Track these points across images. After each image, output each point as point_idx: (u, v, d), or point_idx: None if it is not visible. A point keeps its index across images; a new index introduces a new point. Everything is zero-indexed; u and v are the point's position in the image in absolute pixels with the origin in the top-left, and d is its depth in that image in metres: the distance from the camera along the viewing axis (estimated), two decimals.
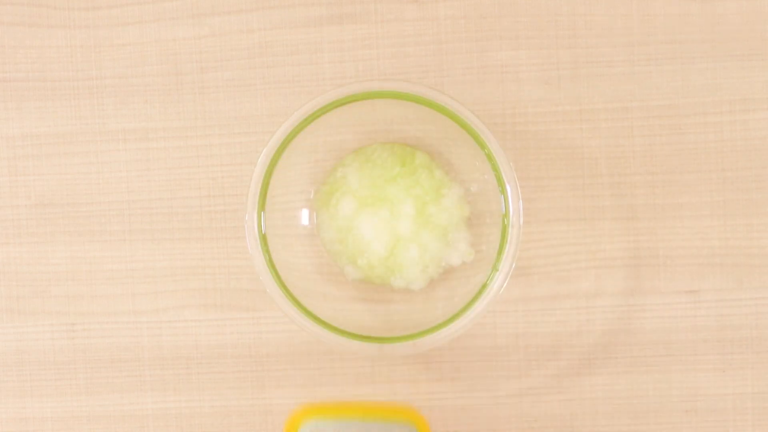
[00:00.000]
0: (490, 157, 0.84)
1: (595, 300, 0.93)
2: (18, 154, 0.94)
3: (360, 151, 0.91)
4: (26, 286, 0.95)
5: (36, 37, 0.94)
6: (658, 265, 0.93)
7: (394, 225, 0.90)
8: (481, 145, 0.84)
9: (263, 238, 0.86)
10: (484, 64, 0.93)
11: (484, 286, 0.85)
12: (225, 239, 0.94)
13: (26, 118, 0.94)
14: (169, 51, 0.94)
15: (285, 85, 0.94)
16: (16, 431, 0.95)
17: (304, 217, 0.93)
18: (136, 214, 0.94)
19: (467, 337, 0.94)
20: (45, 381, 0.95)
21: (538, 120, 0.93)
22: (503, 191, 0.85)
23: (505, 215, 0.85)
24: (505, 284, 0.85)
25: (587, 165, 0.93)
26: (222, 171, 0.94)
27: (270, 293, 0.86)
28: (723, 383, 0.94)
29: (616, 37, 0.93)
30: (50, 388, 0.95)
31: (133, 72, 0.94)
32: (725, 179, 0.93)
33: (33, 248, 0.95)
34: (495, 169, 0.84)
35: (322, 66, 0.93)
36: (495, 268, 0.85)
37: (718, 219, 0.93)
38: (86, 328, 0.95)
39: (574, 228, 0.93)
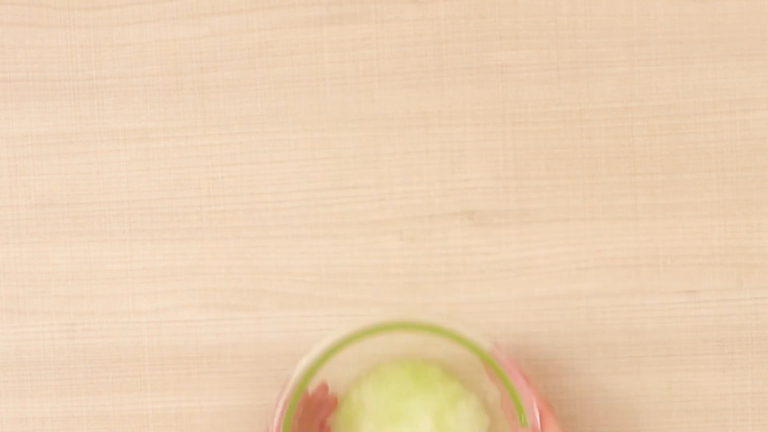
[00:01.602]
0: (506, 382, 0.86)
1: (595, 300, 0.93)
2: (18, 153, 0.95)
3: (373, 370, 0.91)
4: (26, 286, 0.95)
5: (36, 37, 0.94)
6: (658, 265, 0.93)
7: None
8: (500, 375, 0.86)
9: None
10: (484, 64, 0.93)
11: None
12: (225, 239, 0.94)
13: (26, 118, 0.94)
14: (168, 51, 0.94)
15: (285, 85, 0.94)
16: (16, 431, 0.95)
17: None
18: (136, 214, 0.94)
19: None
20: (45, 381, 0.95)
21: (538, 120, 0.93)
22: (520, 413, 0.86)
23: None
24: None
25: (587, 165, 0.93)
26: (222, 171, 0.94)
27: None
28: (723, 383, 0.94)
29: (616, 37, 0.93)
30: (50, 388, 0.95)
31: (133, 72, 0.94)
32: (725, 179, 0.93)
33: (33, 248, 0.95)
34: (511, 392, 0.85)
35: (322, 66, 0.93)
36: None
37: (718, 219, 0.93)
38: (86, 328, 0.95)
39: (574, 228, 0.93)
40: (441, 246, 0.93)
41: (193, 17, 0.94)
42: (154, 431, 0.95)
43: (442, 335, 0.86)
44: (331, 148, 0.93)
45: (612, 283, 0.93)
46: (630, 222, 0.93)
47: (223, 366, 0.95)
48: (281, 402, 0.86)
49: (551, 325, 0.93)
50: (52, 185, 0.95)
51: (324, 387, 0.90)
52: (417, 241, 0.93)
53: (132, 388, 0.95)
